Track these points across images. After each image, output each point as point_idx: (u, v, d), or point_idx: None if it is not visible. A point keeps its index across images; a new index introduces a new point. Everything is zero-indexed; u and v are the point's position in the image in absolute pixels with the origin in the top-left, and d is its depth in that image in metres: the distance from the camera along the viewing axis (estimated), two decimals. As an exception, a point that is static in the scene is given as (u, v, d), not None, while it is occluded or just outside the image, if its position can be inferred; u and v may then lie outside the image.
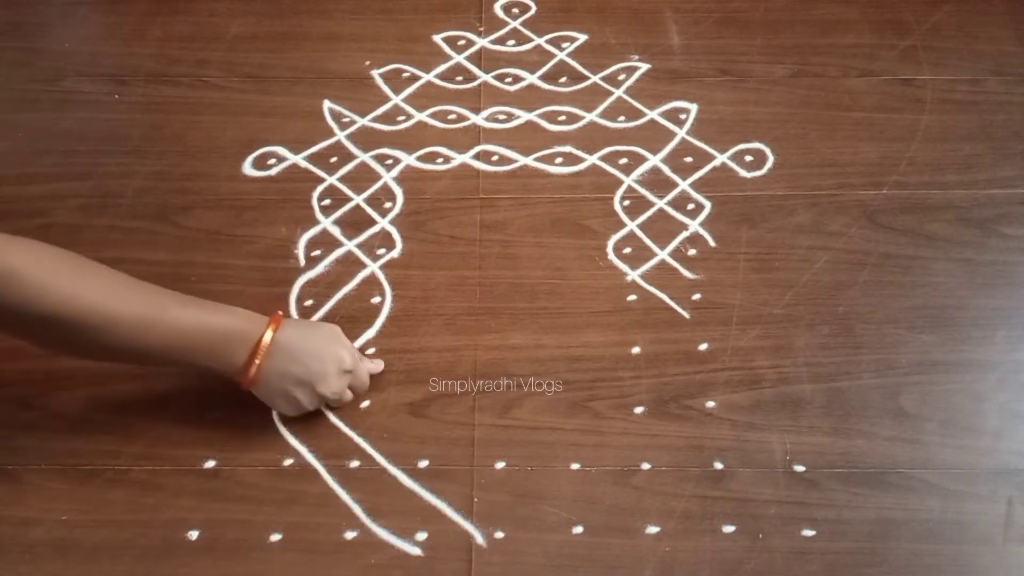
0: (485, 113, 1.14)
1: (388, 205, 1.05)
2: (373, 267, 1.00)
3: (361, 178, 1.08)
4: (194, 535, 0.82)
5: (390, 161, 1.09)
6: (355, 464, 0.86)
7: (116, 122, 1.13)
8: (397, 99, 1.15)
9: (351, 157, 1.10)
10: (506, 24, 1.24)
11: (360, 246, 1.02)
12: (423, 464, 0.86)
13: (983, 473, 0.86)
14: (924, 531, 0.82)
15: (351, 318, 0.96)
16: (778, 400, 0.90)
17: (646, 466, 0.86)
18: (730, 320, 0.95)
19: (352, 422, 0.89)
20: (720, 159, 1.09)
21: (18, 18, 1.26)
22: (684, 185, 1.07)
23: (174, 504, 0.84)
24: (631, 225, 1.03)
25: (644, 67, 1.19)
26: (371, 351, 0.93)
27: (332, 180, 1.07)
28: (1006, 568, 0.81)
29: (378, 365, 0.91)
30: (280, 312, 0.84)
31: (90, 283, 0.75)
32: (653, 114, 1.13)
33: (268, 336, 0.82)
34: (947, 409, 0.89)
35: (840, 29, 1.23)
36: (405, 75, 1.18)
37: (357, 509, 0.84)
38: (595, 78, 1.18)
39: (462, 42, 1.22)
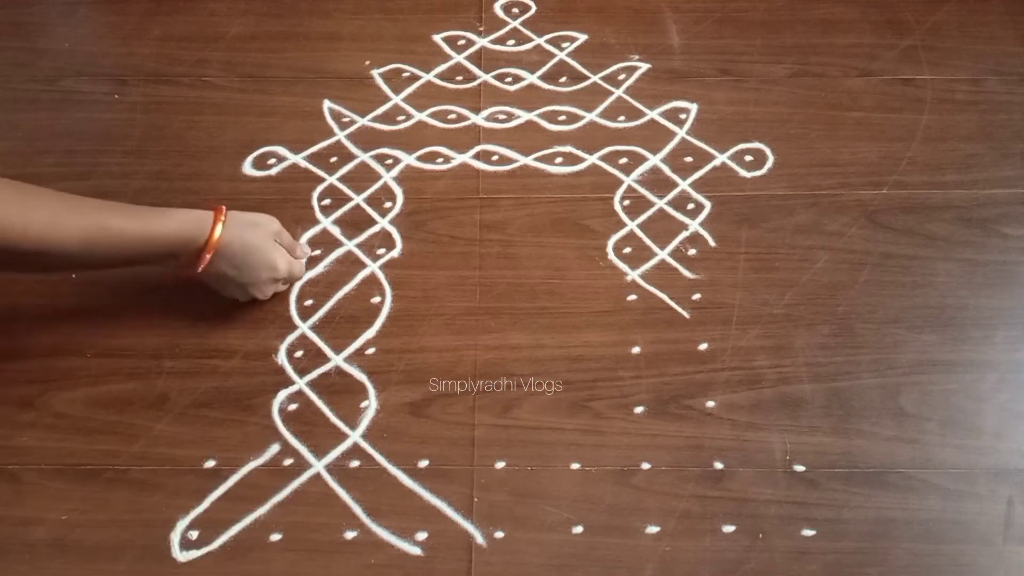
0: (485, 113, 1.14)
1: (388, 205, 1.05)
2: (373, 267, 1.00)
3: (361, 178, 1.08)
4: (194, 535, 0.82)
5: (390, 161, 1.09)
6: (355, 464, 0.86)
7: (116, 122, 1.13)
8: (397, 99, 1.15)
9: (351, 157, 1.09)
10: (506, 24, 1.24)
11: (360, 246, 1.02)
12: (423, 464, 0.86)
13: (983, 473, 0.86)
14: (924, 531, 0.82)
15: (351, 318, 0.96)
16: (778, 400, 0.90)
17: (646, 466, 0.86)
18: (730, 320, 0.95)
19: (352, 422, 0.89)
20: (720, 159, 1.09)
21: (18, 18, 1.25)
22: (684, 185, 1.06)
23: (174, 504, 0.84)
24: (631, 225, 1.03)
25: (644, 67, 1.18)
26: (371, 351, 0.93)
27: (332, 180, 1.07)
28: (1006, 568, 0.81)
29: (306, 252, 0.99)
30: (223, 207, 0.89)
31: (33, 210, 0.79)
32: (653, 114, 1.13)
33: (217, 233, 0.88)
34: (947, 409, 0.89)
35: (840, 29, 1.22)
36: (405, 75, 1.18)
37: (357, 509, 0.84)
38: (595, 78, 1.17)
39: (462, 42, 1.22)
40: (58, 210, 0.81)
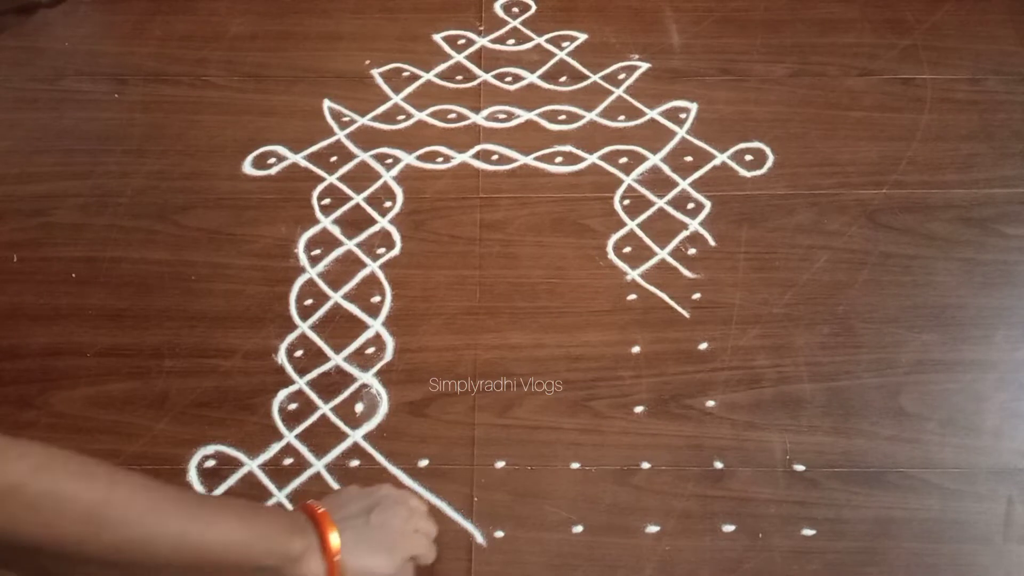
0: (485, 112, 1.13)
1: (388, 204, 1.05)
2: (373, 266, 1.00)
3: (361, 177, 1.07)
4: (194, 535, 0.82)
5: (390, 160, 1.09)
6: (355, 463, 0.86)
7: (116, 121, 1.13)
8: (397, 98, 1.15)
9: (351, 156, 1.09)
10: (506, 23, 1.24)
11: (360, 245, 1.01)
12: (423, 463, 0.86)
13: (983, 472, 0.85)
14: (924, 530, 0.82)
15: (351, 318, 0.96)
16: (778, 399, 0.90)
17: (646, 465, 0.86)
18: (730, 319, 0.95)
19: (352, 422, 0.89)
20: (720, 158, 1.09)
21: (18, 18, 1.25)
22: (684, 184, 1.06)
23: None
24: (631, 224, 1.03)
25: (644, 66, 1.18)
26: (371, 351, 0.94)
27: (332, 179, 1.07)
28: (1005, 567, 0.80)
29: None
30: (310, 504, 0.72)
31: (115, 494, 0.60)
32: (653, 113, 1.13)
33: (335, 540, 0.69)
34: (947, 408, 0.89)
35: (840, 28, 1.22)
36: (405, 74, 1.18)
37: (357, 508, 0.84)
38: (595, 77, 1.17)
39: (462, 41, 1.21)
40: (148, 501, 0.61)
